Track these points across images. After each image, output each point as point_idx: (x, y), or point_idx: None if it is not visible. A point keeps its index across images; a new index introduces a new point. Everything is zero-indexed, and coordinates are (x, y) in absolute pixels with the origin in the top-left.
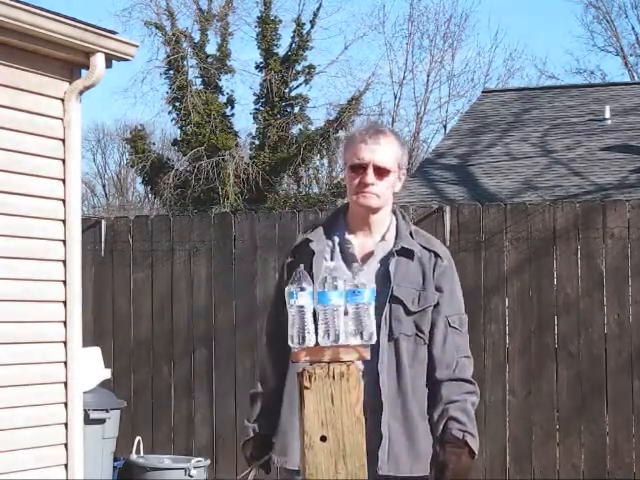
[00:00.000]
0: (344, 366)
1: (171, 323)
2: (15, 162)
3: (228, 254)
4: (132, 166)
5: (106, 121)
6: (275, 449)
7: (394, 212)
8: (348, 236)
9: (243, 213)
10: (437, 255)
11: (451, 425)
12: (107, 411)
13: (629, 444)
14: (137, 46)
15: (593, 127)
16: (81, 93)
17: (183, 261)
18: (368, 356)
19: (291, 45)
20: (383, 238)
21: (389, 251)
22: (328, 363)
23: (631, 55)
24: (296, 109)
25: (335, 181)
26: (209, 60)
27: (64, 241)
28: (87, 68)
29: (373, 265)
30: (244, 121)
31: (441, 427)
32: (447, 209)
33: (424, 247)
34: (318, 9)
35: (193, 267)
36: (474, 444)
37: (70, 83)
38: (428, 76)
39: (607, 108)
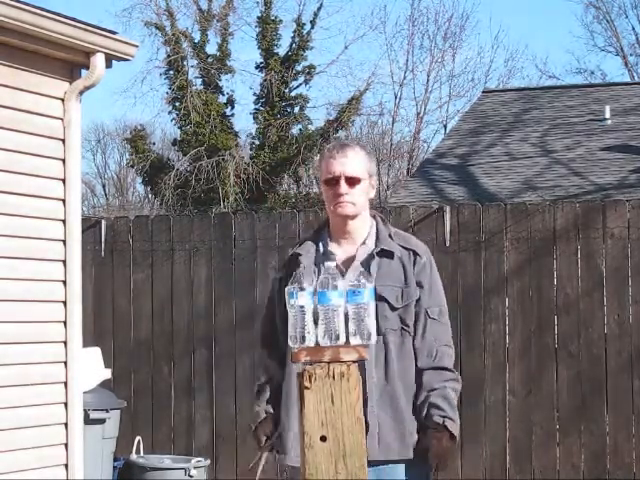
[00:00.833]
0: (344, 366)
1: (171, 323)
2: (15, 162)
3: (228, 254)
4: (132, 166)
5: (106, 121)
6: (275, 445)
7: (374, 217)
8: (330, 246)
9: (243, 213)
10: (416, 253)
11: (432, 411)
12: (107, 411)
13: (629, 444)
14: (137, 46)
15: (593, 127)
16: (81, 93)
17: (183, 261)
18: (368, 356)
19: (291, 45)
20: (364, 243)
21: (369, 254)
22: (328, 363)
23: (631, 55)
24: (296, 109)
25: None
26: (209, 60)
27: (64, 241)
28: (87, 68)
29: (355, 269)
30: (244, 121)
31: (423, 414)
32: (447, 209)
33: (403, 247)
34: (318, 9)
35: (193, 267)
36: (454, 428)
37: (70, 83)
38: (428, 76)
39: (607, 108)
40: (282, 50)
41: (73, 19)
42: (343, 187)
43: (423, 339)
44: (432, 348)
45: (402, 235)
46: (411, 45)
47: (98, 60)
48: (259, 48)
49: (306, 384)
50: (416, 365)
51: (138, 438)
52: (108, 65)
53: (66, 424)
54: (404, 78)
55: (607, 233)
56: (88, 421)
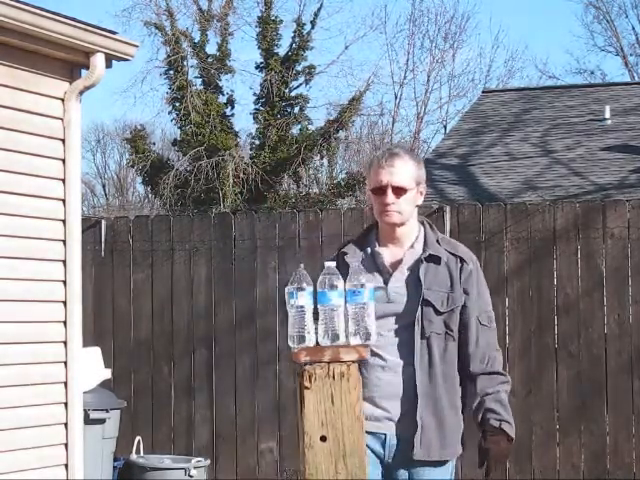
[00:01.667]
0: (344, 366)
1: (171, 323)
2: (15, 162)
3: (228, 254)
4: (132, 166)
5: (106, 121)
6: None
7: (422, 223)
8: (378, 248)
9: (243, 213)
10: (462, 260)
11: (488, 416)
12: (107, 411)
13: (629, 444)
14: (137, 46)
15: (593, 127)
16: (81, 93)
17: (183, 261)
18: (368, 356)
19: (291, 45)
20: (411, 247)
21: (417, 258)
22: (328, 363)
23: (631, 55)
24: (296, 109)
25: (335, 181)
26: (209, 60)
27: (64, 241)
28: (87, 68)
29: (402, 272)
30: (244, 121)
31: (479, 418)
32: (447, 209)
33: (451, 253)
34: (319, 9)
35: (193, 267)
36: (511, 430)
37: (70, 83)
38: (429, 76)
39: (607, 108)
40: (282, 50)
41: (73, 19)
42: (390, 197)
43: (477, 346)
44: (485, 354)
45: (449, 241)
46: (411, 45)
47: (98, 60)
48: (259, 48)
49: (306, 384)
50: (469, 370)
51: (138, 438)
52: (108, 65)
53: (66, 424)
54: (404, 78)
55: (607, 233)
56: (88, 421)
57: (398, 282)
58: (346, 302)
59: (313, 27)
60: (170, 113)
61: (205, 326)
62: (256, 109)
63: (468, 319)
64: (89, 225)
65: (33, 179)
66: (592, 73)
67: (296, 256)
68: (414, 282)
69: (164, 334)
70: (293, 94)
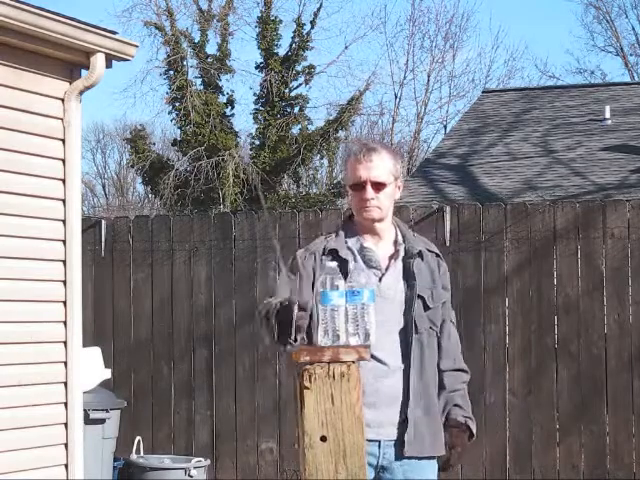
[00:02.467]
0: (344, 366)
1: (171, 323)
2: (15, 162)
3: (228, 254)
4: (132, 166)
5: (106, 121)
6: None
7: (393, 220)
8: (365, 243)
9: (243, 213)
10: (438, 256)
11: (455, 412)
12: (107, 411)
13: (629, 444)
14: (137, 46)
15: (593, 127)
16: (81, 93)
17: (183, 261)
18: (368, 356)
19: (291, 45)
20: (396, 242)
21: (407, 253)
22: (328, 363)
23: (631, 55)
24: (296, 109)
25: (335, 181)
26: (209, 60)
27: (64, 241)
28: (87, 68)
29: (396, 267)
30: (244, 121)
31: (446, 413)
32: (447, 209)
33: (427, 249)
34: (318, 9)
35: (193, 267)
36: (473, 427)
37: (70, 83)
38: (429, 76)
39: (607, 108)
40: (282, 50)
41: (73, 19)
42: (369, 192)
43: (449, 342)
44: (453, 351)
45: (422, 238)
46: (411, 45)
47: (98, 60)
48: (259, 48)
49: (306, 384)
50: (438, 365)
51: (138, 438)
52: (108, 65)
53: (66, 424)
54: (404, 78)
55: (607, 233)
56: (88, 421)
57: (392, 278)
58: (346, 302)
59: (313, 27)
60: (170, 113)
61: (205, 326)
62: (256, 109)
63: (445, 316)
64: (89, 225)
65: (33, 179)
66: (592, 73)
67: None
68: (407, 278)
69: (164, 334)
70: (293, 94)
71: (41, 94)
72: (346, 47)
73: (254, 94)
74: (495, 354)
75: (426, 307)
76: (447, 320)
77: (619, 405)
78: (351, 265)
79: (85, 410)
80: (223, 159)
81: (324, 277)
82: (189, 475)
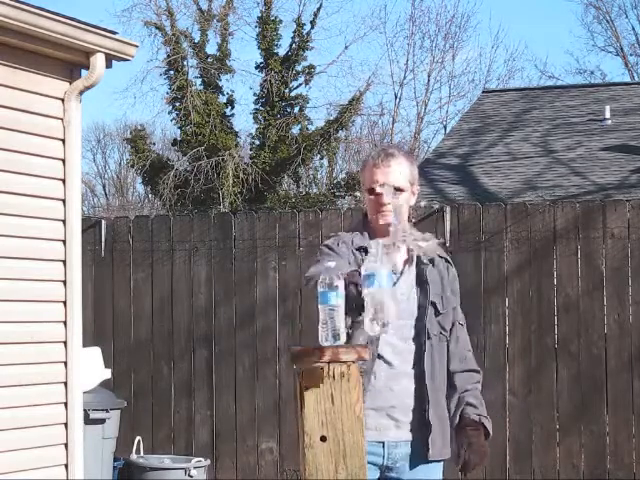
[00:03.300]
0: (344, 366)
1: (171, 323)
2: (15, 162)
3: (228, 254)
4: (132, 166)
5: (106, 121)
6: None
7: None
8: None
9: (243, 213)
10: (448, 261)
11: (468, 410)
12: (107, 411)
13: (629, 444)
14: (137, 46)
15: (593, 127)
16: (81, 93)
17: (183, 261)
18: (368, 357)
19: (291, 45)
20: (409, 248)
21: (420, 259)
22: (328, 363)
23: (631, 55)
24: (296, 109)
25: (335, 181)
26: (209, 60)
27: (64, 241)
28: (87, 68)
29: (410, 272)
30: (244, 121)
31: (459, 413)
32: (447, 209)
33: (438, 255)
34: (318, 9)
35: (193, 267)
36: (489, 425)
37: (70, 83)
38: (429, 76)
39: (607, 108)
40: (282, 50)
41: (73, 19)
42: (386, 197)
43: (457, 345)
44: (463, 352)
45: (432, 243)
46: (411, 45)
47: (98, 60)
48: (259, 48)
49: (306, 384)
50: (449, 369)
51: (138, 438)
52: (108, 65)
53: (66, 424)
54: (404, 78)
55: (607, 233)
56: (88, 421)
57: (406, 283)
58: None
59: (313, 27)
60: (170, 113)
61: (205, 326)
62: (256, 109)
63: (454, 319)
64: (89, 225)
65: (33, 179)
66: (592, 73)
67: (296, 256)
68: (420, 284)
69: (164, 334)
70: (293, 94)
71: (41, 94)
72: (346, 47)
73: (254, 94)
74: (495, 354)
75: (437, 313)
76: (456, 324)
77: (619, 405)
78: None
79: (85, 410)
80: (223, 159)
81: (323, 277)
82: (189, 475)
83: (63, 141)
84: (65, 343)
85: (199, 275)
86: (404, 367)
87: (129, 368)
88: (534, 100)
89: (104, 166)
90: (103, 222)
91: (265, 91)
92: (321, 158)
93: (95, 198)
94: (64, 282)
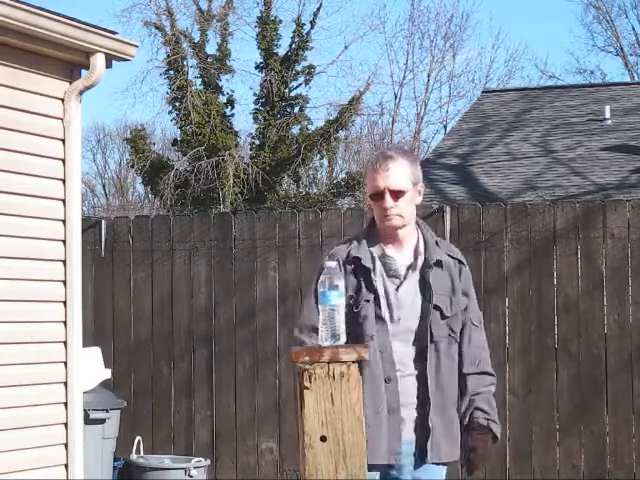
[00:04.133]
0: (344, 366)
1: (171, 323)
2: (15, 162)
3: (228, 254)
4: (132, 166)
5: (106, 121)
6: None
7: (417, 224)
8: (387, 251)
9: (243, 213)
10: (460, 262)
11: (477, 414)
12: (107, 411)
13: (629, 444)
14: (137, 46)
15: (593, 127)
16: (81, 93)
17: (183, 261)
18: (368, 357)
19: (291, 45)
20: (416, 250)
21: (425, 263)
22: (328, 363)
23: (631, 55)
24: (296, 109)
25: (335, 181)
26: (209, 60)
27: (64, 241)
28: (87, 68)
29: (414, 277)
30: (244, 121)
31: (468, 416)
32: (447, 209)
33: (449, 255)
34: (318, 9)
35: (193, 267)
36: (497, 430)
37: (70, 83)
38: (429, 76)
39: (607, 108)
40: (282, 50)
41: (73, 19)
42: (388, 201)
43: (469, 346)
44: (475, 354)
45: (445, 244)
46: (411, 45)
47: (98, 60)
48: (259, 48)
49: (306, 384)
50: (460, 370)
51: (138, 438)
52: (108, 65)
53: (66, 424)
54: (404, 78)
55: (607, 233)
56: (88, 421)
57: (410, 288)
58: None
59: (312, 27)
60: (170, 113)
61: (205, 326)
62: (256, 109)
63: (465, 321)
64: (89, 225)
65: (33, 179)
66: (592, 73)
67: (296, 256)
68: (424, 287)
69: (164, 334)
70: (293, 94)
71: (41, 94)
72: (346, 47)
73: (254, 94)
74: (495, 354)
75: (443, 316)
76: (468, 324)
77: (619, 405)
78: (372, 274)
79: (85, 410)
80: (223, 159)
81: (324, 277)
82: (189, 475)
83: (63, 141)
84: (65, 343)
85: (199, 275)
86: (407, 370)
87: (129, 368)
88: (534, 100)
89: (104, 166)
90: (103, 222)
91: (265, 91)
92: (321, 158)
93: (95, 198)
94: (64, 282)
